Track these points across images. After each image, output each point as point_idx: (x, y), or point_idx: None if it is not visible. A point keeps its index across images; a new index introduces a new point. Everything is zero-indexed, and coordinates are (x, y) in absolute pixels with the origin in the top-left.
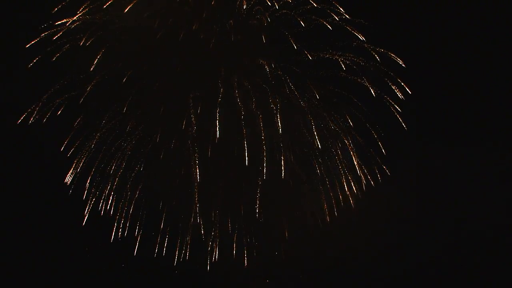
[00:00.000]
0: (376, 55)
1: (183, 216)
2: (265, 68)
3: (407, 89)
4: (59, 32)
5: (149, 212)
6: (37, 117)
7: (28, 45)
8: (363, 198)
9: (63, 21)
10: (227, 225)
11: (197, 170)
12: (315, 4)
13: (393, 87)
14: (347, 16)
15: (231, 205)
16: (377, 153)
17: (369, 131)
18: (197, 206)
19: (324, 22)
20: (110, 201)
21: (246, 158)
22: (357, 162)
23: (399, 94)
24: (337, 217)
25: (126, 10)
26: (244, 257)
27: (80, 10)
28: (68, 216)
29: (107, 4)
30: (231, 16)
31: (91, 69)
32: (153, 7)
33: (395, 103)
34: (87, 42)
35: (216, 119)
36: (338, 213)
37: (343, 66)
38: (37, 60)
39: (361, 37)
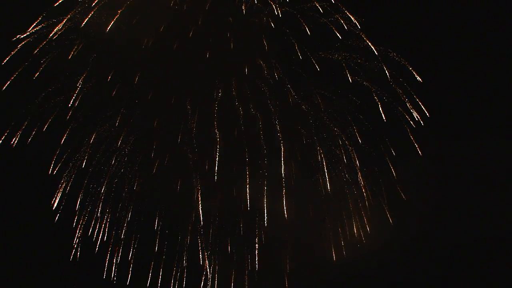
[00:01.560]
0: (387, 71)
1: (180, 238)
2: (265, 72)
3: (425, 111)
4: (39, 45)
5: (143, 234)
6: (20, 133)
7: (4, 61)
8: (373, 229)
9: (34, 29)
10: (226, 251)
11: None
12: (321, 8)
13: (408, 105)
14: (354, 21)
15: (230, 231)
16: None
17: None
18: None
19: (335, 30)
20: (103, 226)
21: (248, 201)
22: (366, 192)
23: (415, 115)
24: (346, 251)
25: (108, 29)
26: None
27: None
28: (55, 247)
29: (84, 22)
30: (230, 14)
31: (80, 82)
32: (146, 12)
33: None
34: (75, 53)
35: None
36: (347, 247)
37: (349, 78)
38: (15, 77)
39: (372, 47)
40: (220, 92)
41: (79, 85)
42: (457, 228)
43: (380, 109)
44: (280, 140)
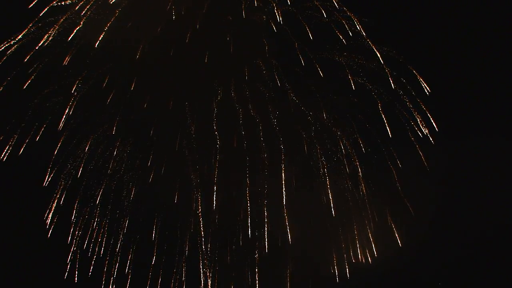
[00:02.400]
0: (392, 80)
1: (178, 249)
2: (264, 72)
3: (434, 124)
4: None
5: (140, 245)
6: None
7: None
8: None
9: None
10: (226, 262)
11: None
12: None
13: (416, 116)
14: (359, 27)
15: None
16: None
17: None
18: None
19: (338, 33)
20: (99, 238)
21: (249, 230)
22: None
23: (424, 130)
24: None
25: (97, 43)
26: None
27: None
28: (48, 265)
29: (71, 36)
30: (229, 14)
31: (73, 90)
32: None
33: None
34: (68, 60)
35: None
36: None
37: (352, 85)
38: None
39: (377, 53)
40: (219, 94)
41: (74, 91)
42: (465, 244)
43: (386, 124)
44: (281, 144)
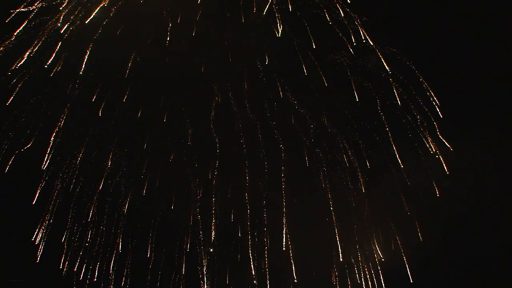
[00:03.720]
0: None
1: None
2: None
3: (447, 144)
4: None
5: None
6: None
7: None
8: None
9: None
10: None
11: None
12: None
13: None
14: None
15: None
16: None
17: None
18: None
19: (348, 45)
20: (92, 260)
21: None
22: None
23: (433, 147)
24: None
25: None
26: None
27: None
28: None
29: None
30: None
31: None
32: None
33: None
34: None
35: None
36: None
37: (357, 97)
38: None
39: (386, 67)
40: (218, 97)
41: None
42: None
43: (394, 146)
44: (281, 148)
